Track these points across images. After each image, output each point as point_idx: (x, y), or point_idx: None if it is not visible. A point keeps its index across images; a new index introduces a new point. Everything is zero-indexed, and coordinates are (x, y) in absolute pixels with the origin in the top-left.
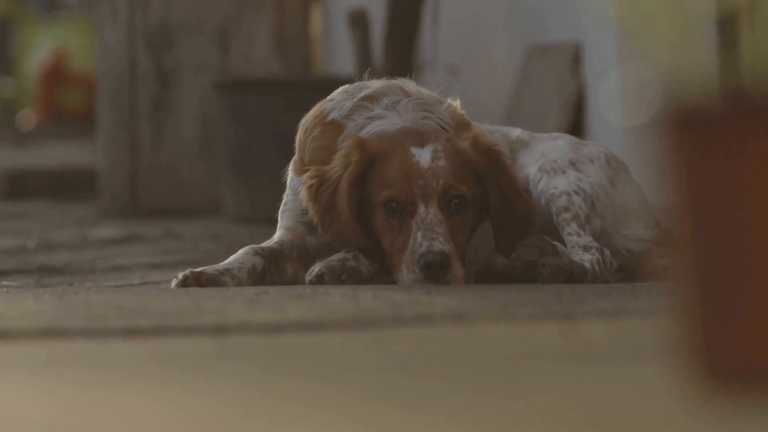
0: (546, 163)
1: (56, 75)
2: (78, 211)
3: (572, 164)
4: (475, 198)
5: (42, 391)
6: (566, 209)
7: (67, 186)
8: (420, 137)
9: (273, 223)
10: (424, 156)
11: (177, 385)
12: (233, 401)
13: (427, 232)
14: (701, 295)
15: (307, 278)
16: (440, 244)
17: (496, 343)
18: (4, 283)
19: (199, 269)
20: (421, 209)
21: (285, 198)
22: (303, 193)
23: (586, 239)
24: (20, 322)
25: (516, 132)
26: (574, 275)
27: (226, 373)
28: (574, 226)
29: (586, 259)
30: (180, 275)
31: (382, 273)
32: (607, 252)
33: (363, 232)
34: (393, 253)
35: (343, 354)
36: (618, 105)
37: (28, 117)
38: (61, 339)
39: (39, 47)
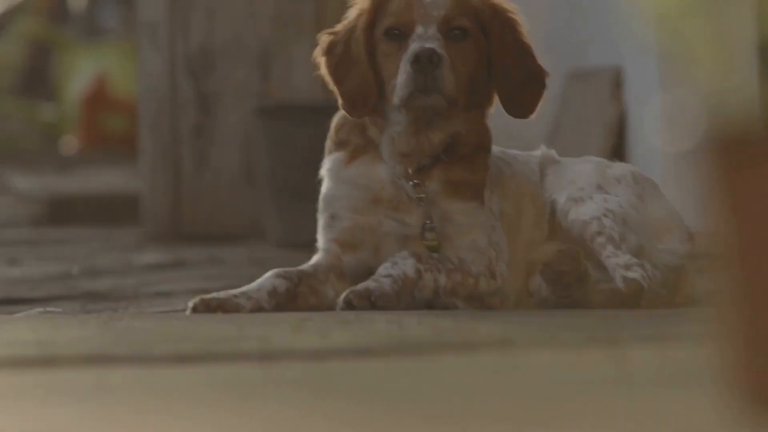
0: (573, 192)
1: (98, 100)
2: (121, 236)
3: (599, 188)
4: (477, 41)
5: (89, 418)
6: (599, 233)
7: (110, 211)
8: None
9: (315, 247)
10: None
11: (224, 411)
12: (280, 426)
13: (422, 41)
14: (745, 321)
15: (338, 308)
16: (431, 45)
17: (542, 370)
18: (49, 309)
19: (209, 295)
20: (420, 29)
21: (320, 198)
22: (316, 52)
23: (625, 257)
24: (66, 349)
25: (539, 150)
26: (630, 297)
27: (273, 398)
28: (610, 248)
29: (631, 276)
30: (190, 304)
31: (409, 293)
32: (647, 266)
33: (375, 81)
34: (389, 78)
35: (388, 380)
36: (660, 130)
37: (70, 142)
38: (106, 365)
39: (81, 72)
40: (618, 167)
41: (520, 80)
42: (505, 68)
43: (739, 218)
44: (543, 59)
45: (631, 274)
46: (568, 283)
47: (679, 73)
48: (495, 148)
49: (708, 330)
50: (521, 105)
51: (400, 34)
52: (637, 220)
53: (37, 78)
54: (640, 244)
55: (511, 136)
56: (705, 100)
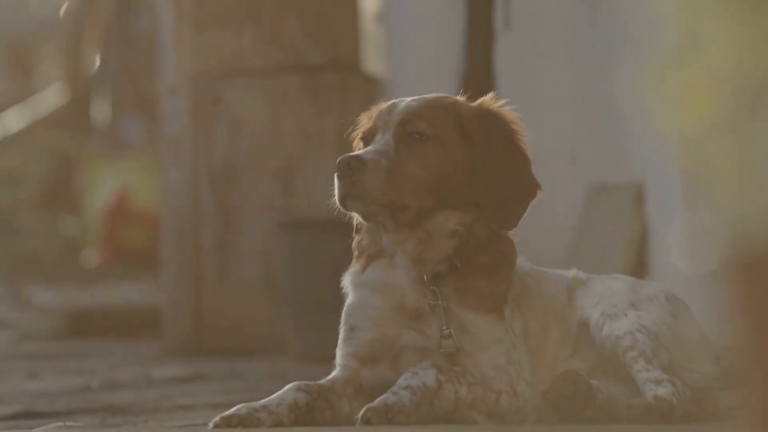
0: (607, 308)
1: (120, 214)
2: (141, 349)
3: (632, 305)
4: (444, 144)
5: None
6: (631, 348)
7: (130, 325)
8: None
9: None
10: (405, 101)
11: None
12: None
13: (373, 146)
14: None
15: (357, 424)
16: (363, 153)
17: None
18: (69, 423)
19: (230, 412)
20: (378, 136)
21: (342, 314)
22: None
23: (656, 373)
24: None
25: (572, 271)
26: (661, 414)
27: None
28: (641, 362)
29: (661, 393)
30: (211, 424)
31: (428, 405)
32: (678, 382)
33: None
34: None
35: None
36: (683, 250)
37: (91, 256)
38: None
39: (103, 186)
40: (651, 286)
41: (505, 189)
42: (488, 175)
43: (763, 338)
44: (565, 173)
45: (661, 391)
46: (572, 405)
47: (702, 191)
48: (526, 265)
49: None
50: (503, 215)
51: (366, 142)
52: (670, 339)
53: (59, 191)
54: (671, 362)
55: (533, 249)
56: (728, 220)
